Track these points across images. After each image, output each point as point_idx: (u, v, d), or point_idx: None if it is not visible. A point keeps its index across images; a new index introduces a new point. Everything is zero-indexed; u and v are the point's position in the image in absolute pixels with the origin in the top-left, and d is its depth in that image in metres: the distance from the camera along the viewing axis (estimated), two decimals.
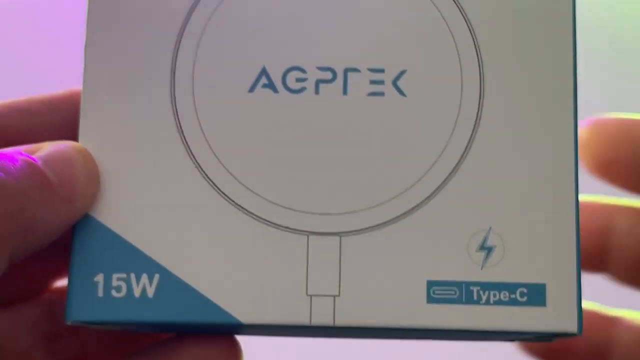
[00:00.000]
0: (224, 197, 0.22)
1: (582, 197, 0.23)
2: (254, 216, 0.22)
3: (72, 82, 0.24)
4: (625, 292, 0.29)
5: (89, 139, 0.22)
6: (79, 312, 0.21)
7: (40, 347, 0.26)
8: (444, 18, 0.23)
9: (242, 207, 0.22)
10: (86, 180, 0.21)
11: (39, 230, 0.20)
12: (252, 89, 0.22)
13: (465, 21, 0.23)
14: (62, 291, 0.26)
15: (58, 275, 0.27)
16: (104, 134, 0.22)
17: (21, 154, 0.21)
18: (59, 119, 0.24)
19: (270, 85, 0.22)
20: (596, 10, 0.63)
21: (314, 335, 0.24)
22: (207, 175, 0.22)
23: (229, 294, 0.21)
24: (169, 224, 0.22)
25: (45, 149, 0.21)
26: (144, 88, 0.22)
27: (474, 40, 0.23)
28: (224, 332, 0.23)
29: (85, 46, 0.22)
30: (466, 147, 0.22)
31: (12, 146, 0.22)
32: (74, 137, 0.22)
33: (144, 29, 0.22)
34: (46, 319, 0.26)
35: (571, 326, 0.21)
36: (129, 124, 0.22)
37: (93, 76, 0.22)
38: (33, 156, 0.21)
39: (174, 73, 0.22)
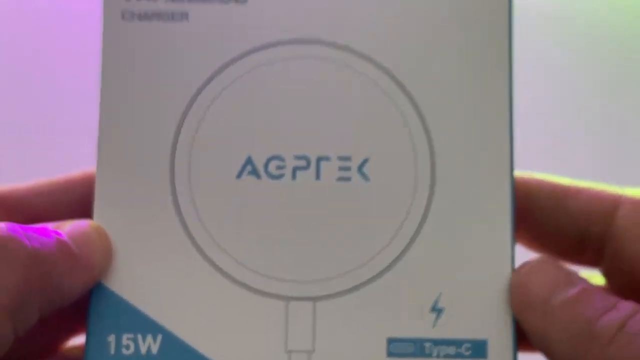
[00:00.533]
0: (216, 269, 0.26)
1: None
2: (243, 285, 0.26)
3: None
4: None
5: (102, 218, 0.26)
6: None
7: None
8: (399, 110, 0.27)
9: (232, 277, 0.26)
10: (101, 253, 0.25)
11: (63, 292, 0.24)
12: (239, 176, 0.26)
13: (417, 112, 0.27)
14: (77, 348, 0.30)
15: (71, 334, 0.31)
16: (115, 214, 0.26)
17: (50, 229, 0.25)
18: (73, 198, 0.29)
19: (254, 172, 0.26)
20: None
21: None
22: (202, 250, 0.26)
23: (222, 351, 0.25)
24: (169, 291, 0.26)
25: (68, 226, 0.25)
26: (148, 176, 0.26)
27: (425, 129, 0.27)
28: None
29: (99, 141, 0.27)
30: (419, 224, 0.26)
31: (35, 222, 0.26)
32: (86, 213, 0.27)
33: (146, 125, 0.27)
34: None
35: None
36: (135, 205, 0.26)
37: (105, 166, 0.26)
38: (59, 231, 0.25)
39: (174, 161, 0.26)
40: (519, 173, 0.29)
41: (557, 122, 0.65)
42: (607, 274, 0.30)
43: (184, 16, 0.27)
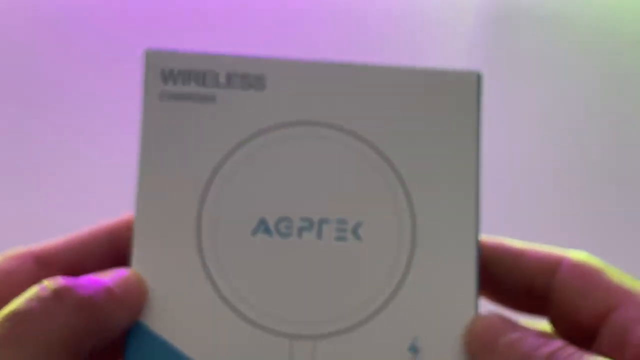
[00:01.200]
0: (234, 312, 0.31)
1: None
2: (257, 325, 0.31)
3: None
4: None
5: (140, 267, 0.31)
6: None
7: None
8: (386, 181, 0.33)
9: (249, 319, 0.31)
10: (139, 295, 0.31)
11: (110, 330, 0.29)
12: (253, 234, 0.32)
13: (402, 185, 0.33)
14: None
15: None
16: (151, 263, 0.31)
17: (95, 278, 0.30)
18: (99, 251, 0.34)
19: (267, 231, 0.32)
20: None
21: None
22: (224, 296, 0.31)
23: None
24: (195, 329, 0.31)
25: (112, 274, 0.30)
26: (178, 233, 0.32)
27: (407, 198, 0.33)
28: None
29: (136, 202, 0.32)
30: (402, 277, 0.32)
31: (67, 275, 0.31)
32: (113, 264, 0.32)
33: (177, 190, 0.32)
34: None
35: None
36: (168, 256, 0.31)
37: (142, 224, 0.32)
38: (104, 279, 0.30)
39: (200, 221, 0.32)
40: (483, 237, 0.35)
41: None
42: (552, 321, 0.36)
43: (212, 99, 0.33)
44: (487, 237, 0.35)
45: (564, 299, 0.34)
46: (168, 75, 0.33)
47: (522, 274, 0.35)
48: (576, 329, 0.34)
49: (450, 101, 0.33)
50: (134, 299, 0.30)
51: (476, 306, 0.32)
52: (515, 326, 0.31)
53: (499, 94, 0.66)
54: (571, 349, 0.30)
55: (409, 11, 0.67)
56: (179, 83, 0.33)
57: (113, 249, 0.33)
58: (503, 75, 0.67)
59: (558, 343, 0.30)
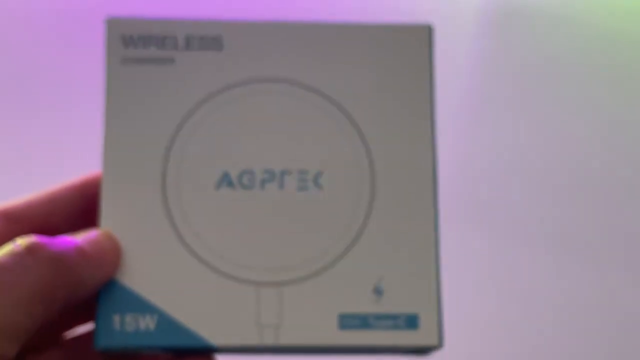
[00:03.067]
0: (202, 262, 0.32)
1: None
2: (222, 273, 0.32)
3: None
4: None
5: (108, 223, 0.32)
6: (104, 341, 0.31)
7: None
8: (346, 133, 0.34)
9: (214, 267, 0.32)
10: (111, 253, 0.32)
11: (83, 286, 0.30)
12: (217, 187, 0.33)
13: (360, 135, 0.34)
14: (80, 338, 0.36)
15: (70, 327, 0.37)
16: (118, 219, 0.32)
17: (67, 238, 0.31)
18: (71, 206, 0.35)
19: (230, 184, 0.33)
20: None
21: (262, 352, 0.34)
22: (189, 247, 0.32)
23: (207, 327, 0.32)
24: (164, 280, 0.32)
25: (82, 234, 0.31)
26: (144, 188, 0.33)
27: (366, 148, 0.34)
28: (207, 354, 0.33)
29: (103, 160, 0.33)
30: (363, 222, 0.33)
31: (34, 232, 0.32)
32: (78, 221, 0.33)
33: (141, 149, 0.33)
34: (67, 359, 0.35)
35: (435, 341, 0.32)
36: (135, 213, 0.32)
37: (109, 180, 0.33)
38: (76, 239, 0.31)
39: (165, 176, 0.33)
40: None
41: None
42: None
43: (171, 61, 0.34)
44: None
45: None
46: (128, 41, 0.34)
47: None
48: None
49: (403, 54, 0.34)
50: (106, 258, 0.31)
51: (437, 248, 0.33)
52: None
53: (499, 94, 0.67)
54: None
55: (409, 11, 0.68)
56: (140, 47, 0.34)
57: (82, 204, 0.34)
58: (503, 75, 0.68)
59: None
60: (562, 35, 0.70)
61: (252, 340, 0.32)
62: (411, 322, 0.32)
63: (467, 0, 0.71)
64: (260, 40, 0.34)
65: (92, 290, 0.31)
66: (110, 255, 0.32)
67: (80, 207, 0.35)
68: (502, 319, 0.51)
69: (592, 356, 0.48)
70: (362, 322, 0.32)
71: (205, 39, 0.34)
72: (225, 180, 0.33)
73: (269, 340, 0.32)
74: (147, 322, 0.32)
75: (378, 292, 0.33)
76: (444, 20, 0.69)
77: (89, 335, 0.35)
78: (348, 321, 0.32)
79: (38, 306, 0.29)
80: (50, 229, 0.34)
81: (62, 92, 0.65)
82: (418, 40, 0.35)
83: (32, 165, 0.62)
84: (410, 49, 0.34)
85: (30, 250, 0.29)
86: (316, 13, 0.68)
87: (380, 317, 0.32)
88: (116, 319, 0.32)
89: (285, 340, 0.32)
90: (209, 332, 0.32)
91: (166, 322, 0.32)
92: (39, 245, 0.30)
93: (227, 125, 0.33)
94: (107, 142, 0.33)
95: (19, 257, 0.29)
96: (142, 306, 0.32)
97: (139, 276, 0.32)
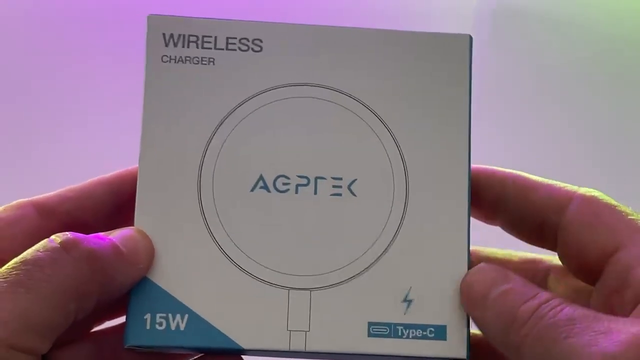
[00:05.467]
0: (235, 265, 0.32)
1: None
2: (254, 276, 0.32)
3: None
4: None
5: (144, 223, 0.32)
6: (133, 339, 0.31)
7: None
8: (381, 141, 0.34)
9: (246, 270, 0.32)
10: (145, 252, 0.32)
11: (116, 283, 0.31)
12: (252, 190, 0.33)
13: (396, 144, 0.34)
14: (108, 332, 0.36)
15: (101, 321, 0.37)
16: (153, 221, 0.32)
17: (102, 235, 0.31)
18: (102, 201, 0.35)
19: (265, 187, 0.33)
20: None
21: (290, 356, 0.35)
22: (222, 249, 0.32)
23: (237, 329, 0.32)
24: (196, 281, 0.32)
25: (117, 232, 0.32)
26: (180, 189, 0.33)
27: (401, 157, 0.34)
28: (234, 354, 0.33)
29: (140, 159, 0.33)
30: (396, 231, 0.33)
31: (68, 225, 0.32)
32: (111, 216, 0.33)
33: (178, 149, 0.33)
34: (96, 353, 0.35)
35: (462, 354, 0.32)
36: (170, 212, 0.33)
37: (144, 181, 0.33)
38: (111, 237, 0.31)
39: (200, 177, 0.33)
40: (500, 169, 0.35)
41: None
42: (561, 257, 0.35)
43: (211, 61, 0.34)
44: (505, 169, 0.36)
45: (573, 234, 0.34)
46: (169, 39, 0.34)
47: (533, 209, 0.35)
48: (583, 265, 0.34)
49: (442, 63, 0.34)
50: (140, 256, 0.32)
51: (468, 258, 0.33)
52: (508, 276, 0.32)
53: (498, 94, 0.67)
54: (556, 301, 0.30)
55: (409, 11, 0.68)
56: (180, 46, 0.34)
57: (113, 199, 0.35)
58: (502, 75, 0.68)
59: (544, 295, 0.31)
60: (559, 37, 0.69)
61: (281, 345, 0.32)
62: (439, 333, 0.32)
63: (463, 1, 0.70)
64: (299, 44, 0.34)
65: (125, 289, 0.32)
66: (143, 254, 0.32)
67: (112, 203, 0.35)
68: None
69: None
70: (391, 331, 0.32)
71: (245, 40, 0.34)
72: (261, 184, 0.33)
73: (297, 346, 0.32)
74: (178, 322, 0.32)
75: (407, 301, 0.33)
76: (440, 21, 0.68)
77: (117, 330, 0.36)
78: (377, 329, 0.32)
79: (71, 303, 0.29)
80: (81, 223, 0.34)
81: (67, 94, 0.65)
82: (458, 50, 0.34)
83: (32, 165, 0.62)
84: (450, 58, 0.34)
85: (65, 246, 0.30)
86: (313, 11, 0.67)
87: (409, 327, 0.32)
88: (147, 317, 0.32)
89: (313, 346, 0.32)
90: (238, 335, 0.32)
91: (196, 323, 0.32)
92: (75, 241, 0.30)
93: (264, 129, 0.34)
94: (145, 140, 0.33)
95: (54, 253, 0.29)
96: (173, 306, 0.32)
97: (171, 276, 0.32)
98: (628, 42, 0.67)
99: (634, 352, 0.28)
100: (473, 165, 0.35)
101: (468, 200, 0.33)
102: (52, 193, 0.35)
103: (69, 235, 0.30)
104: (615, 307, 0.32)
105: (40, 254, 0.29)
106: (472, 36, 0.35)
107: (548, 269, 0.37)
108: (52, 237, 0.30)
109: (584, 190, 0.34)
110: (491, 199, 0.36)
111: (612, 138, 0.67)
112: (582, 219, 0.34)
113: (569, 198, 0.34)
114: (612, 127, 0.67)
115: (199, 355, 0.34)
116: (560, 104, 0.67)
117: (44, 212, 0.34)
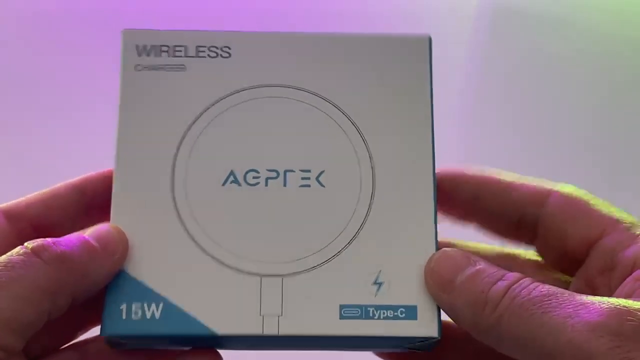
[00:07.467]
0: (207, 255, 0.33)
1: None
2: (227, 265, 0.33)
3: None
4: None
5: (120, 219, 0.34)
6: (110, 329, 0.32)
7: None
8: (346, 134, 0.35)
9: (220, 261, 0.33)
10: (120, 245, 0.33)
11: (91, 279, 0.32)
12: (224, 184, 0.34)
13: (361, 136, 0.35)
14: (88, 342, 0.36)
15: (84, 329, 0.38)
16: (128, 215, 0.34)
17: (74, 235, 0.32)
18: (70, 204, 0.36)
19: (236, 181, 0.34)
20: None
21: (264, 344, 0.35)
22: (195, 240, 0.34)
23: (211, 316, 0.32)
24: (170, 271, 0.33)
25: (92, 229, 0.33)
26: (153, 185, 0.34)
27: (367, 149, 0.35)
28: (210, 346, 0.34)
29: (116, 159, 0.34)
30: (364, 218, 0.34)
31: (39, 229, 0.34)
32: (82, 217, 0.35)
33: (152, 149, 0.35)
34: None
35: (433, 333, 0.33)
36: (144, 208, 0.34)
37: (120, 179, 0.34)
38: (84, 235, 0.32)
39: (174, 174, 0.34)
40: (477, 169, 0.36)
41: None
42: (540, 249, 0.36)
43: (182, 67, 0.36)
44: (478, 169, 0.37)
45: (552, 227, 0.35)
46: (142, 50, 0.36)
47: (512, 205, 0.36)
48: (563, 256, 0.35)
49: (404, 62, 0.36)
50: (114, 251, 0.33)
51: (436, 242, 0.34)
52: (472, 260, 0.32)
53: (498, 94, 0.67)
54: (527, 281, 0.31)
55: (409, 11, 0.69)
56: (152, 55, 0.36)
57: (81, 201, 0.36)
58: (502, 75, 0.69)
59: (513, 276, 0.31)
60: (558, 36, 0.70)
61: (255, 329, 0.33)
62: (410, 313, 0.33)
63: (463, 1, 0.72)
64: (266, 49, 0.36)
65: (101, 283, 0.33)
66: (118, 245, 0.33)
67: (79, 203, 0.36)
68: None
69: None
70: (362, 312, 0.33)
71: (214, 47, 0.36)
72: (232, 178, 0.34)
73: (271, 330, 0.33)
74: (153, 311, 0.33)
75: (377, 284, 0.33)
76: (440, 21, 0.70)
77: (101, 338, 0.36)
78: (348, 312, 0.33)
79: (44, 301, 0.30)
80: (50, 225, 0.35)
81: (63, 94, 0.66)
82: (419, 50, 0.36)
83: (32, 166, 0.63)
84: (411, 57, 0.36)
85: (35, 251, 0.31)
86: (315, 14, 0.69)
87: (380, 308, 0.33)
88: (123, 307, 0.33)
89: (286, 330, 0.33)
90: (213, 321, 0.32)
91: (171, 311, 0.33)
92: (44, 246, 0.31)
93: (234, 127, 0.35)
94: (120, 141, 0.35)
95: (25, 257, 0.31)
96: (149, 295, 0.33)
97: (147, 267, 0.33)
98: (628, 42, 0.68)
99: (617, 319, 0.28)
100: (441, 167, 0.36)
101: (434, 187, 0.34)
102: (20, 199, 0.36)
103: (39, 242, 0.31)
104: (599, 288, 0.33)
105: (12, 257, 0.31)
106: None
107: (524, 263, 0.38)
108: (25, 244, 0.31)
109: (561, 187, 0.36)
110: (465, 198, 0.37)
111: (612, 138, 0.67)
112: (564, 209, 0.35)
113: (548, 192, 0.36)
114: (612, 127, 0.67)
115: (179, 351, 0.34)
116: (560, 104, 0.68)
117: (12, 218, 0.35)
